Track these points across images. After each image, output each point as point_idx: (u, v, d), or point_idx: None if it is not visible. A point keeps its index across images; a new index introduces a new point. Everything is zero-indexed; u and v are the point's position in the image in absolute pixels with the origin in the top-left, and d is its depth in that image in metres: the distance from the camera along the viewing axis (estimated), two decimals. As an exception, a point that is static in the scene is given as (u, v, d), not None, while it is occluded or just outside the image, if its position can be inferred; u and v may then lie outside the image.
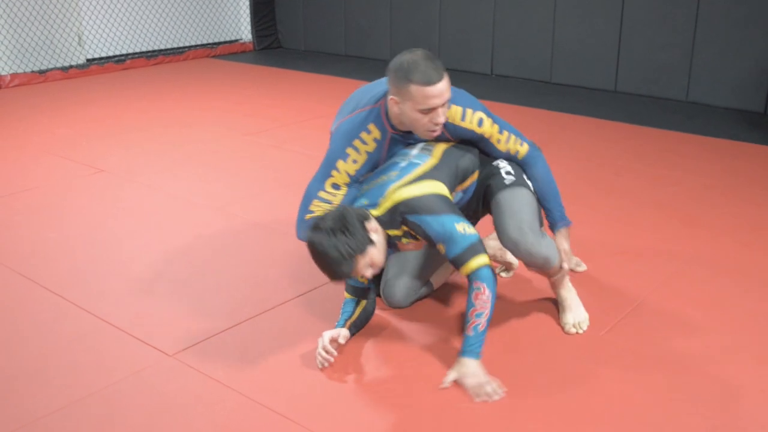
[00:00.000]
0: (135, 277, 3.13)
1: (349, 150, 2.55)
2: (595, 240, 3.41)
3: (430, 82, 2.36)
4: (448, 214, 2.37)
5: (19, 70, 6.94)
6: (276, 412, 2.24)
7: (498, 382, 2.30)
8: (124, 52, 7.77)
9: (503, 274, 3.09)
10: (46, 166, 4.56)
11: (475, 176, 2.63)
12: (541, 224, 2.67)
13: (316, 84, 6.92)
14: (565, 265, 2.68)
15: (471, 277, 2.36)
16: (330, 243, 2.28)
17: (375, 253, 2.37)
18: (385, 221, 2.43)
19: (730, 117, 5.65)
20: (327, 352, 2.43)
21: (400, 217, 2.41)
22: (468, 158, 2.60)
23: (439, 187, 2.44)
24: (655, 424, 2.18)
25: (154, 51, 8.00)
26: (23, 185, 4.22)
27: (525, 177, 2.65)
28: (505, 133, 2.62)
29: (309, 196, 2.60)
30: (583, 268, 3.12)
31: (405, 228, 2.44)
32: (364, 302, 2.61)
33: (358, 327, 2.61)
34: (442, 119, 2.45)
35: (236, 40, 8.74)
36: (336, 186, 2.57)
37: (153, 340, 2.64)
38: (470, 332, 2.34)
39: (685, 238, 3.46)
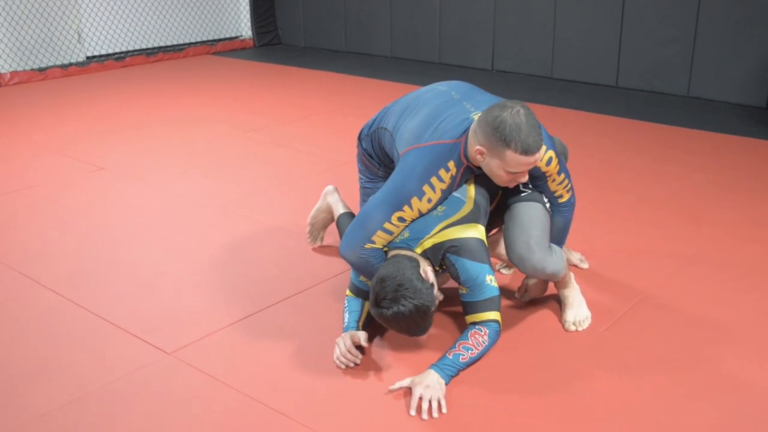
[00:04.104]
0: (134, 275, 3.13)
1: (426, 188, 2.37)
2: (597, 236, 3.40)
3: (528, 152, 2.25)
4: (484, 263, 2.39)
5: (19, 68, 6.93)
6: (274, 410, 2.23)
7: (444, 403, 2.22)
8: (123, 49, 7.76)
9: (504, 271, 3.08)
10: (47, 164, 4.55)
11: (499, 196, 2.64)
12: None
13: (317, 80, 6.90)
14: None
15: (478, 325, 2.39)
16: (400, 312, 2.24)
17: (437, 292, 2.41)
18: (427, 256, 2.44)
19: (732, 112, 5.63)
20: (353, 354, 2.42)
21: (441, 254, 2.41)
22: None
23: (481, 232, 2.45)
24: (656, 422, 2.17)
25: (153, 48, 7.99)
26: (23, 183, 4.21)
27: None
28: (562, 176, 2.56)
29: (371, 225, 2.42)
30: (586, 265, 3.11)
31: (441, 262, 2.45)
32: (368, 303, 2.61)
33: (365, 326, 2.60)
34: (525, 179, 2.38)
35: (236, 37, 8.72)
36: (402, 219, 2.41)
37: (152, 338, 2.63)
38: (450, 356, 2.34)
39: (688, 234, 3.45)
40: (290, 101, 6.12)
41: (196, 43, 8.33)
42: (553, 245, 2.60)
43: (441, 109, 2.48)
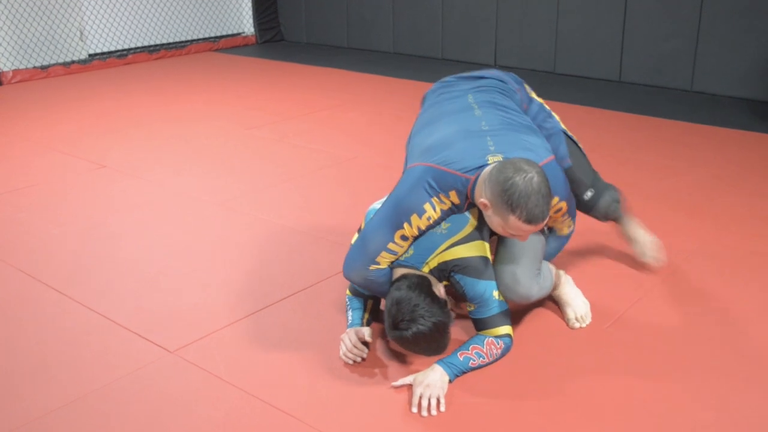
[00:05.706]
0: (137, 273, 3.12)
1: (427, 206, 2.31)
2: (599, 231, 3.38)
3: (531, 222, 2.18)
4: (490, 280, 2.41)
5: (21, 66, 6.93)
6: (277, 408, 2.23)
7: (443, 401, 2.23)
8: (126, 46, 7.75)
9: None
10: (49, 162, 4.55)
11: None
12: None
13: (319, 77, 6.89)
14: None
15: (493, 338, 2.41)
16: (420, 332, 2.23)
17: (451, 306, 2.44)
18: (434, 275, 2.44)
19: (735, 106, 5.61)
20: (359, 349, 2.42)
21: (447, 273, 2.42)
22: None
23: (485, 249, 2.45)
24: (659, 419, 2.16)
25: (156, 45, 7.98)
26: (25, 181, 4.21)
27: None
28: (566, 217, 2.55)
29: (374, 246, 2.37)
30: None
31: (446, 281, 2.46)
32: (371, 301, 2.62)
33: (369, 323, 2.59)
34: (525, 240, 2.34)
35: (238, 34, 8.71)
36: (405, 238, 2.35)
37: (154, 336, 2.63)
38: (461, 357, 2.35)
39: (691, 230, 3.44)
40: (293, 98, 6.11)
41: (199, 40, 8.32)
42: (543, 266, 2.57)
43: (462, 136, 2.39)
